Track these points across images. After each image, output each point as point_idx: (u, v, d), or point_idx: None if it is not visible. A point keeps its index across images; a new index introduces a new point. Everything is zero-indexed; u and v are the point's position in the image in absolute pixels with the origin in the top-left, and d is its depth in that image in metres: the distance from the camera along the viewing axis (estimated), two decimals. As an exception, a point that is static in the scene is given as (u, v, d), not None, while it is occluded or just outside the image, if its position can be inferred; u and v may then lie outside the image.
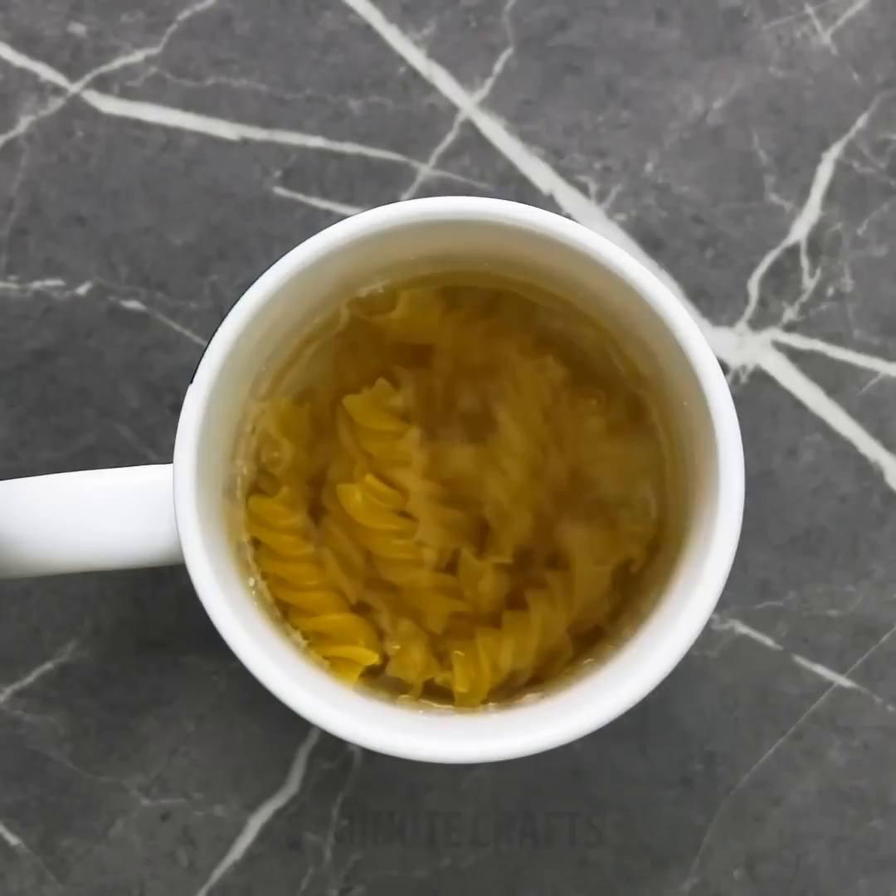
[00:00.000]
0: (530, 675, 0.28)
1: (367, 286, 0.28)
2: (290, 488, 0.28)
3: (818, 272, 0.33)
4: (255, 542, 0.28)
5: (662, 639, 0.25)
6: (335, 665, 0.28)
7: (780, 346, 0.33)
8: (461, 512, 0.28)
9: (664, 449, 0.28)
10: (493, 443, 0.28)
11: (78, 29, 0.33)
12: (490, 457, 0.28)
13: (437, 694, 0.28)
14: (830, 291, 0.33)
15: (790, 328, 0.33)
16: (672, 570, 0.27)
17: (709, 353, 0.25)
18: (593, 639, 0.28)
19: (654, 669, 0.25)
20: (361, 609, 0.28)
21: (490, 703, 0.28)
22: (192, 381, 0.25)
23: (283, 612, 0.28)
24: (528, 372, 0.28)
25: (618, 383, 0.28)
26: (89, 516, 0.27)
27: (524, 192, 0.33)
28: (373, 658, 0.28)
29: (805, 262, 0.33)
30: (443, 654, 0.28)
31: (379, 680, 0.28)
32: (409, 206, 0.25)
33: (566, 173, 0.33)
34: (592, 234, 0.24)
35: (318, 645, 0.28)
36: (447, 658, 0.28)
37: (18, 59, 0.33)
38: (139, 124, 0.33)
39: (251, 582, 0.28)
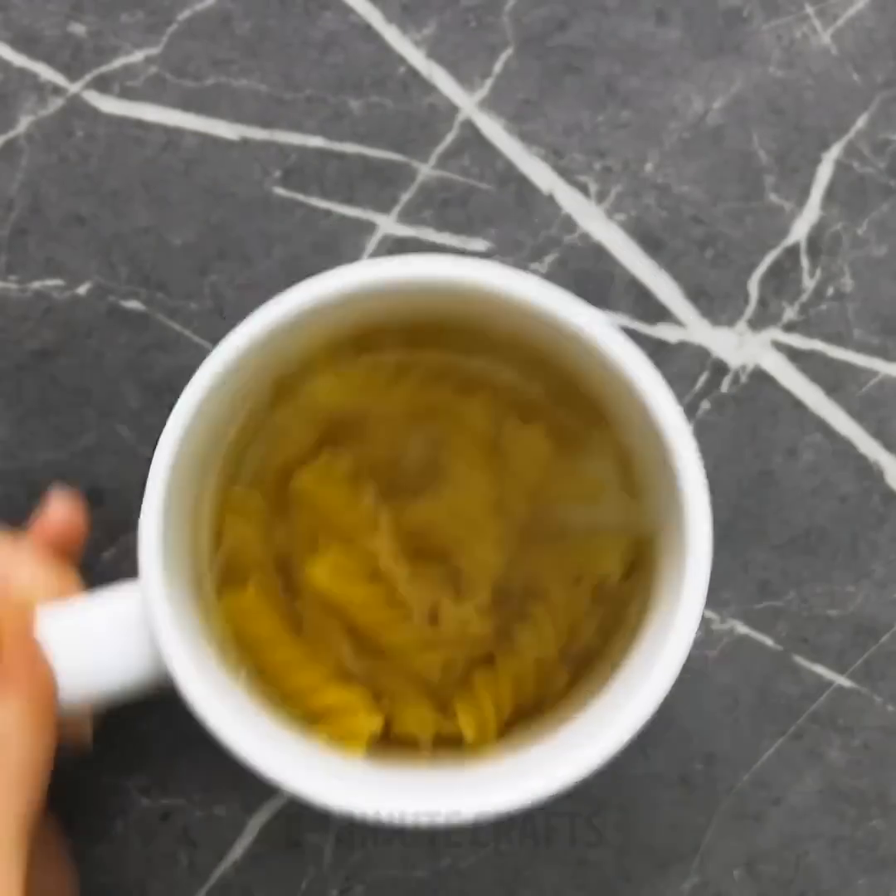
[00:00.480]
0: (532, 704, 0.28)
1: (289, 366, 0.27)
2: (259, 577, 0.28)
3: (818, 272, 0.33)
4: (236, 635, 0.28)
5: (653, 659, 0.25)
6: (343, 739, 0.28)
7: (779, 346, 0.33)
8: (433, 562, 0.28)
9: (621, 455, 0.28)
10: (446, 488, 0.28)
11: (78, 29, 0.33)
12: (447, 502, 0.28)
13: (447, 743, 0.28)
14: (830, 291, 0.33)
15: (790, 328, 0.33)
16: (652, 584, 0.27)
17: (671, 406, 0.24)
18: (587, 659, 0.28)
19: (647, 696, 0.25)
20: (355, 677, 0.28)
21: (500, 745, 0.28)
22: (144, 499, 0.24)
23: (280, 698, 0.28)
24: (469, 410, 0.28)
25: (562, 401, 0.28)
26: (64, 656, 0.26)
27: (524, 191, 0.33)
28: (375, 724, 0.28)
29: (805, 261, 0.33)
30: (444, 703, 0.28)
31: (388, 743, 0.28)
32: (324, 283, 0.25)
33: (566, 173, 0.33)
34: (542, 288, 0.24)
35: (319, 724, 0.28)
36: (450, 706, 0.28)
37: (18, 59, 0.33)
38: (139, 124, 0.33)
39: (241, 674, 0.28)
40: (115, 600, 0.26)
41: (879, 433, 0.33)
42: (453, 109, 0.33)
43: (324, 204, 0.33)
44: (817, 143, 0.33)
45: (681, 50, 0.33)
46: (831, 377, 0.33)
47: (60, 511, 0.30)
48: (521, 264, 0.33)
